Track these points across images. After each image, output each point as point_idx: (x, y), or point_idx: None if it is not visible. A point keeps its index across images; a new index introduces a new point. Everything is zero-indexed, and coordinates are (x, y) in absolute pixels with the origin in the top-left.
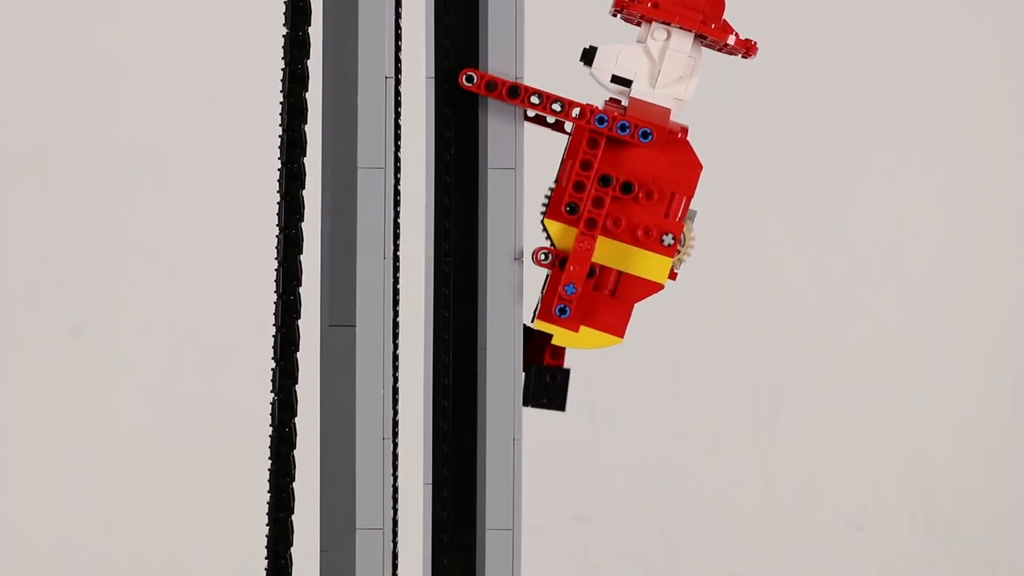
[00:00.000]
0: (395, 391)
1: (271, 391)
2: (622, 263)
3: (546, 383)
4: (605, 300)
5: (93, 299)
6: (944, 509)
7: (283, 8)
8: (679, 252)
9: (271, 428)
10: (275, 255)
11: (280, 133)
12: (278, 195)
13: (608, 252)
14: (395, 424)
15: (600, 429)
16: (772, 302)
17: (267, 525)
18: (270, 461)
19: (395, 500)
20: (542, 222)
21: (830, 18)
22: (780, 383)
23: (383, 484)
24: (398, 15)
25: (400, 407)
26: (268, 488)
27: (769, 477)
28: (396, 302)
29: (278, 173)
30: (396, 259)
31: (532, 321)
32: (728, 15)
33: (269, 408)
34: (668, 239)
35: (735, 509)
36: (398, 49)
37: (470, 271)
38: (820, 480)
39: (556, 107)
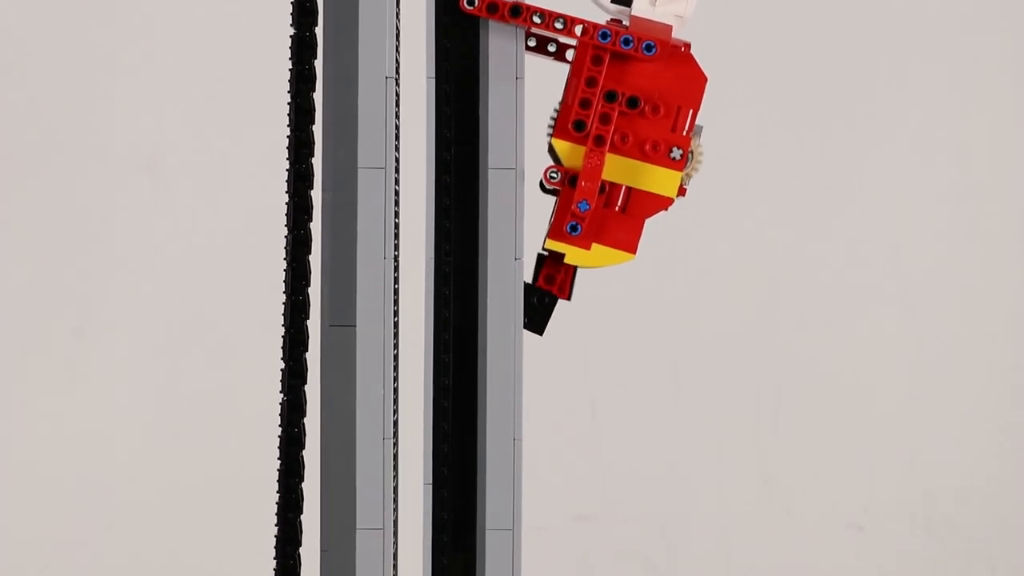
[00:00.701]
0: (395, 391)
1: (280, 391)
2: (631, 179)
3: (532, 304)
4: (616, 217)
5: (93, 299)
6: (944, 509)
7: (288, 8)
8: (687, 166)
9: (280, 428)
10: (284, 255)
11: (288, 134)
12: (287, 195)
13: (617, 168)
14: (395, 424)
15: (600, 429)
16: (772, 302)
17: (276, 525)
18: (279, 461)
19: (395, 500)
20: (549, 143)
21: (830, 15)
22: (780, 383)
23: (383, 484)
24: (398, 15)
25: (400, 407)
26: (277, 488)
27: (769, 477)
28: (396, 302)
29: (286, 173)
30: (396, 259)
31: (543, 244)
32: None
33: (270, 408)
34: (676, 153)
35: (735, 509)
36: (398, 49)
37: (470, 271)
38: (820, 480)
39: (559, 24)
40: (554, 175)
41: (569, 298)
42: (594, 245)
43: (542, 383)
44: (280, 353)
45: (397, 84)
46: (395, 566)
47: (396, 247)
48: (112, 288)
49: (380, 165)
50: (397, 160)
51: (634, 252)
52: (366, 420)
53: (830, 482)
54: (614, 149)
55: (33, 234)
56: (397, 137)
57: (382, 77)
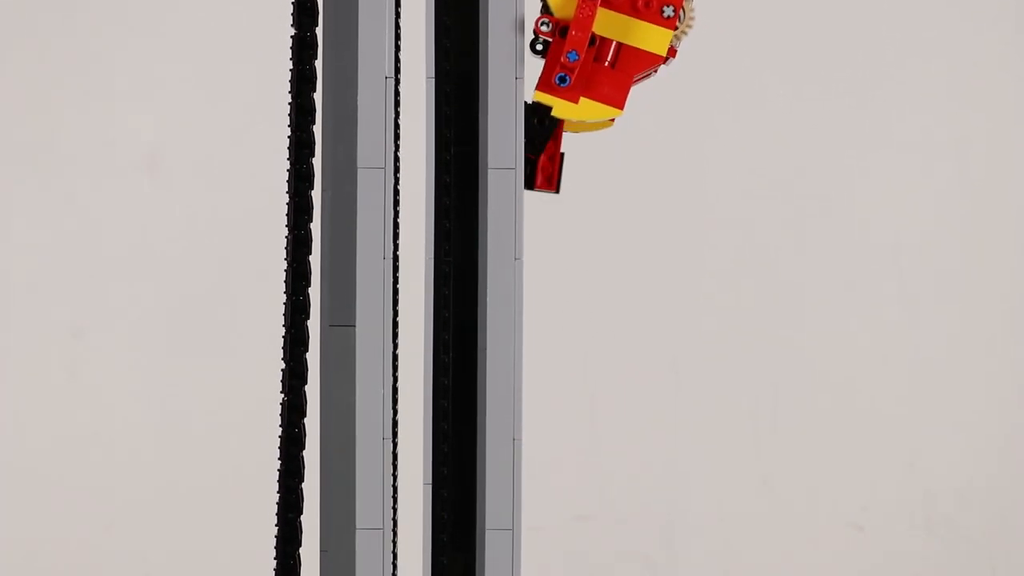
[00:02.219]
0: (395, 391)
1: (280, 391)
2: (622, 34)
3: (534, 124)
4: (605, 72)
5: (93, 299)
6: (944, 509)
7: (288, 8)
8: (678, 26)
9: (280, 428)
10: (284, 255)
11: (288, 134)
12: (287, 195)
13: (608, 23)
14: (395, 424)
15: (600, 428)
16: (772, 301)
17: (276, 525)
18: (279, 462)
19: (395, 500)
20: None
21: (829, 13)
22: (779, 382)
23: (383, 484)
24: (398, 15)
25: (400, 407)
26: (277, 488)
27: (769, 477)
28: (396, 302)
29: (287, 174)
30: (396, 259)
31: (531, 97)
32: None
33: (271, 408)
34: (668, 11)
35: (735, 509)
36: (398, 49)
37: (470, 271)
38: (820, 480)
39: None
40: (545, 25)
41: (558, 190)
42: (582, 99)
43: (542, 383)
44: (280, 353)
45: (397, 84)
46: (395, 566)
47: (396, 247)
48: (112, 288)
49: (380, 165)
50: (397, 160)
51: (622, 107)
52: (366, 420)
53: (830, 482)
54: (606, 3)
55: (32, 234)
56: (397, 137)
57: (382, 77)
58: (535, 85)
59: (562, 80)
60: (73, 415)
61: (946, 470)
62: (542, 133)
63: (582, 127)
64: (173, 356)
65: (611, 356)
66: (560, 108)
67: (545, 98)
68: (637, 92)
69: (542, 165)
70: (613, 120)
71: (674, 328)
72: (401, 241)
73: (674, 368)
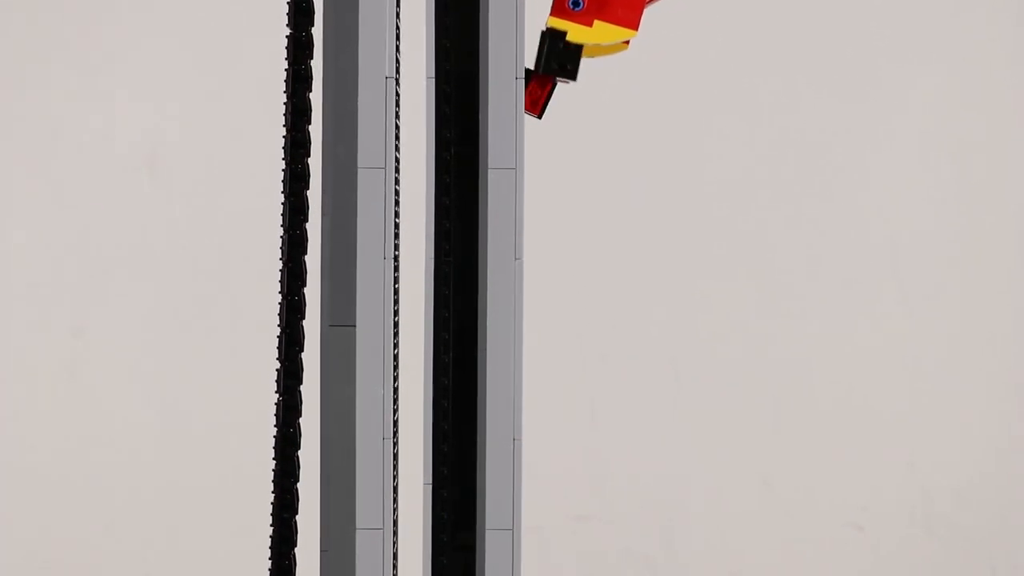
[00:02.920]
0: (395, 391)
1: (276, 391)
2: None
3: (560, 49)
4: None
5: (93, 299)
6: (944, 509)
7: (285, 9)
8: None
9: (275, 429)
10: (280, 256)
11: (284, 134)
12: (282, 196)
13: None
14: (395, 424)
15: (600, 429)
16: (771, 301)
17: (271, 526)
18: (275, 462)
19: (395, 500)
20: None
21: (827, 12)
22: (779, 382)
23: (383, 484)
24: (398, 15)
25: (400, 407)
26: (273, 489)
27: (769, 477)
28: (396, 302)
29: (282, 174)
30: (396, 259)
31: (545, 23)
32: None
33: (269, 409)
34: None
35: (735, 509)
36: (398, 49)
37: (470, 271)
38: (820, 480)
39: None
40: None
41: (540, 116)
42: (596, 22)
43: (542, 383)
44: (276, 353)
45: (397, 84)
46: (395, 566)
47: (396, 247)
48: (112, 288)
49: (380, 165)
50: (397, 160)
51: (636, 28)
52: (366, 420)
53: (830, 482)
54: None
55: (33, 234)
56: (397, 137)
57: (382, 77)
58: (549, 11)
59: (575, 4)
60: (73, 415)
61: (945, 470)
62: (568, 56)
63: (598, 51)
64: (173, 356)
65: (611, 356)
66: (574, 32)
67: (559, 23)
68: (638, 89)
69: (530, 89)
70: (628, 43)
71: (674, 328)
72: (401, 241)
73: (674, 368)
